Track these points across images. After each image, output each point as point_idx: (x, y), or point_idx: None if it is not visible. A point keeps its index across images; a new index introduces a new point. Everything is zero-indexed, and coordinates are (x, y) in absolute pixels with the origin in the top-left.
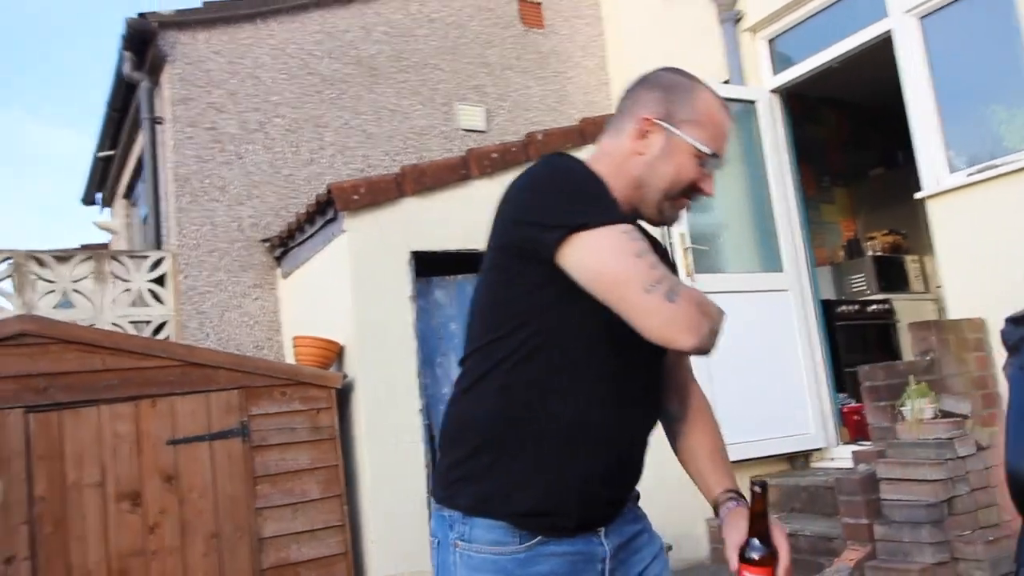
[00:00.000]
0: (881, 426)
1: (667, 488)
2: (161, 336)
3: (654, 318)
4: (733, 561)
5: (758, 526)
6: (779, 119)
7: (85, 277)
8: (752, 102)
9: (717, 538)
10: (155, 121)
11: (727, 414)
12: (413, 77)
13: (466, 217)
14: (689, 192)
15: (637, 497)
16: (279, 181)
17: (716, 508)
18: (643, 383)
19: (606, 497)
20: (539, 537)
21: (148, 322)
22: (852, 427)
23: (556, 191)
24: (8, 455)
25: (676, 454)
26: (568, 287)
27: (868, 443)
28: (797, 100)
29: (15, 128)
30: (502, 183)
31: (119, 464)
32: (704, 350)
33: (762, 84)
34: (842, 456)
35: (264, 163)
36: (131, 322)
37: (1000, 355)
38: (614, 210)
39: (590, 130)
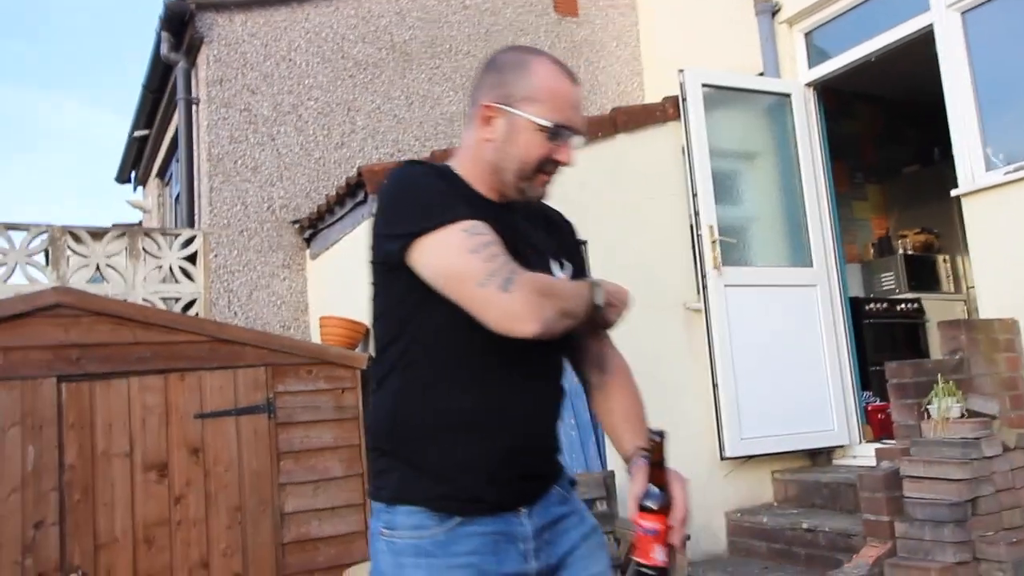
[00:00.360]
0: (906, 424)
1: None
2: (191, 313)
3: (491, 310)
4: (632, 510)
5: (657, 475)
6: (813, 113)
7: (118, 253)
8: (787, 95)
9: (735, 531)
10: (191, 102)
11: (750, 408)
12: (446, 63)
13: None
14: (546, 167)
15: (572, 482)
16: (310, 163)
17: (628, 464)
18: (540, 361)
19: (516, 474)
20: (457, 519)
21: (178, 299)
22: (876, 425)
23: (399, 202)
24: (40, 422)
25: (597, 416)
26: (431, 289)
27: (892, 441)
28: (832, 94)
29: (53, 109)
30: None
31: (147, 435)
32: (552, 333)
33: (797, 77)
34: (864, 454)
35: (296, 145)
36: (162, 298)
37: None
38: (454, 209)
39: (622, 119)
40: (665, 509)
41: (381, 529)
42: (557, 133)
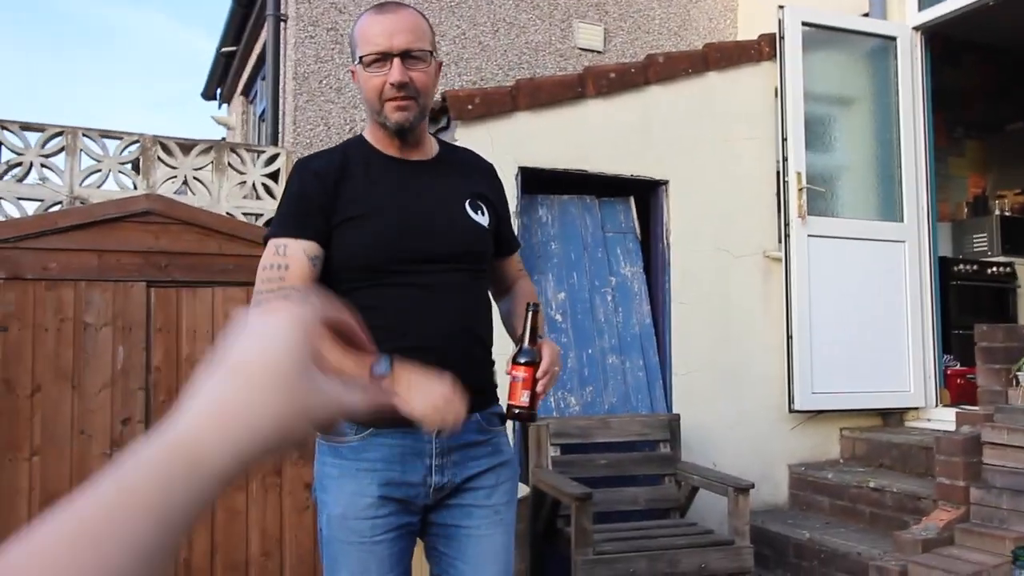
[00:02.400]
0: (992, 389)
1: (753, 435)
2: None
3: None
4: (507, 365)
5: (532, 340)
6: (919, 60)
7: (205, 167)
8: (892, 39)
9: (797, 485)
10: (279, 18)
11: (823, 362)
12: None
13: (577, 137)
14: (386, 93)
15: (501, 416)
16: None
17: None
18: (452, 290)
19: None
20: (371, 429)
21: (260, 215)
22: (954, 390)
23: (280, 200)
24: (130, 324)
25: (502, 319)
26: (337, 229)
27: (971, 407)
28: (939, 41)
29: (148, 26)
30: (617, 105)
31: None
32: None
33: (905, 20)
34: (939, 418)
35: None
36: (244, 213)
37: None
38: (286, 225)
39: (714, 57)
40: (532, 364)
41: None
42: (375, 61)
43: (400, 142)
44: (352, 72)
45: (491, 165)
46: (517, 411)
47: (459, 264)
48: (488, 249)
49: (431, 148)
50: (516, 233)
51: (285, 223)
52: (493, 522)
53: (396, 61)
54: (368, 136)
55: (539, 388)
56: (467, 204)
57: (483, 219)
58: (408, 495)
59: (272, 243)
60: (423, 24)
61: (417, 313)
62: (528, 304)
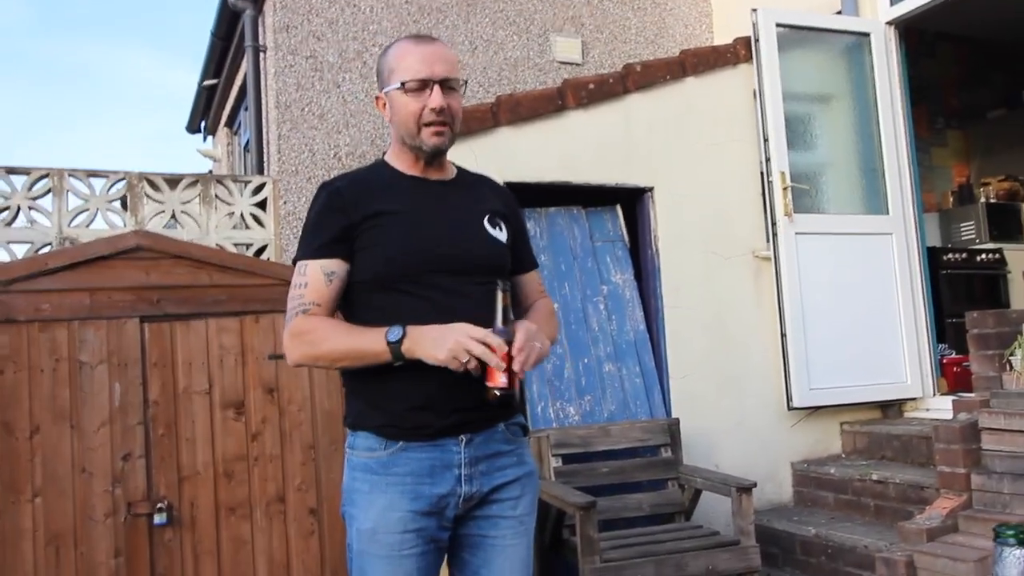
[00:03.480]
0: (986, 375)
1: (753, 435)
2: (262, 259)
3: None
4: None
5: (504, 320)
6: (894, 54)
7: (192, 200)
8: (866, 35)
9: (801, 482)
10: (258, 49)
11: (819, 358)
12: (509, 7)
13: (560, 148)
14: (426, 119)
15: (524, 428)
16: (375, 110)
17: None
18: (470, 306)
19: (451, 407)
20: (401, 443)
21: (250, 245)
22: (951, 378)
23: (304, 223)
24: (126, 361)
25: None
26: (359, 250)
27: (968, 394)
28: (913, 34)
29: (129, 64)
30: (598, 114)
31: (225, 374)
32: (306, 366)
33: (877, 16)
34: (938, 407)
35: (361, 92)
36: (234, 244)
37: None
38: (310, 245)
39: (691, 62)
40: (507, 342)
41: (347, 448)
42: (416, 88)
43: (425, 164)
44: (378, 99)
45: (506, 188)
46: (497, 392)
47: (478, 276)
48: (506, 263)
49: (450, 170)
50: None
51: (306, 244)
52: (518, 532)
53: (437, 88)
54: (390, 159)
55: (515, 366)
56: (485, 220)
57: (501, 234)
58: (438, 507)
59: (296, 266)
60: (455, 57)
61: (438, 322)
62: (498, 282)
